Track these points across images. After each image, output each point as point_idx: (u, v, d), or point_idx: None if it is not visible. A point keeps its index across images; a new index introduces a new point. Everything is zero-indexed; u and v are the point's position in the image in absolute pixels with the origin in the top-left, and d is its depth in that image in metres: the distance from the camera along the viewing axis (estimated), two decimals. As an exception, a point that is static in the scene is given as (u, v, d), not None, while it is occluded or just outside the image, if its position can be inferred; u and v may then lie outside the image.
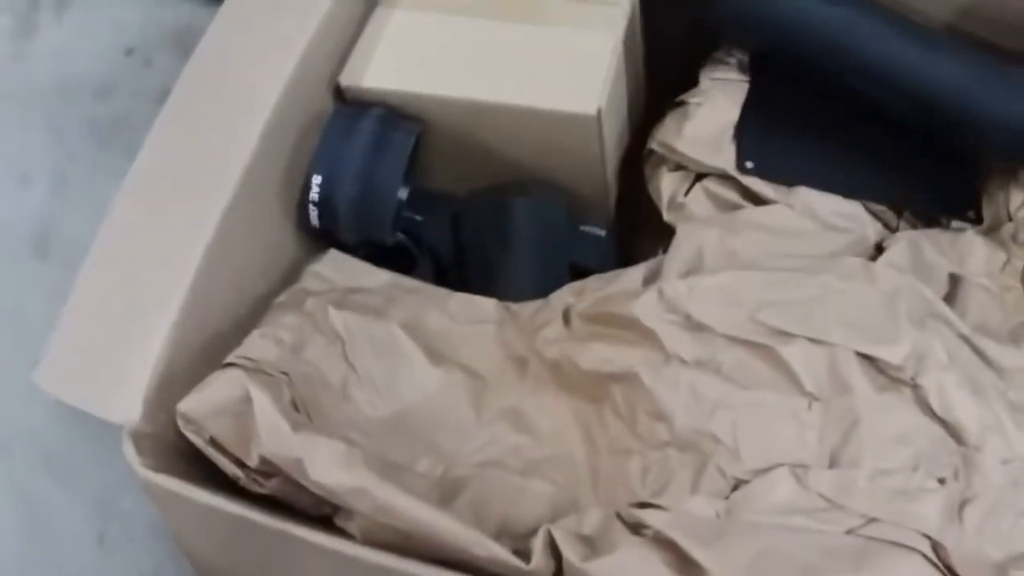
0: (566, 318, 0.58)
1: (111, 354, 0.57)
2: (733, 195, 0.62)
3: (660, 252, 0.67)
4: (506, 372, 0.58)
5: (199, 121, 0.63)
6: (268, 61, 0.63)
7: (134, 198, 0.62)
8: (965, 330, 0.53)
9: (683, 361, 0.50)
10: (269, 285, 0.63)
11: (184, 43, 1.04)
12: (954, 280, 0.58)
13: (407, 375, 0.57)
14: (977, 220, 0.63)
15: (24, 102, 1.07)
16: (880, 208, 0.62)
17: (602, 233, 0.68)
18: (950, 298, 0.57)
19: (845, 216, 0.60)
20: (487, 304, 0.61)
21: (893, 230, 0.62)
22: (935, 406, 0.49)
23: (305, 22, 0.64)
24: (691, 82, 0.68)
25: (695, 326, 0.50)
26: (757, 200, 0.61)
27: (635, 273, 0.58)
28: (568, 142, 0.63)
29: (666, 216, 0.64)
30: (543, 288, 0.63)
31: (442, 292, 0.63)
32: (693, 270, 0.56)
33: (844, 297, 0.50)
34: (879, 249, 0.60)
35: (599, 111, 0.60)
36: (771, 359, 0.49)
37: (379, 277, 0.64)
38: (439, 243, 0.68)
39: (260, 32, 0.66)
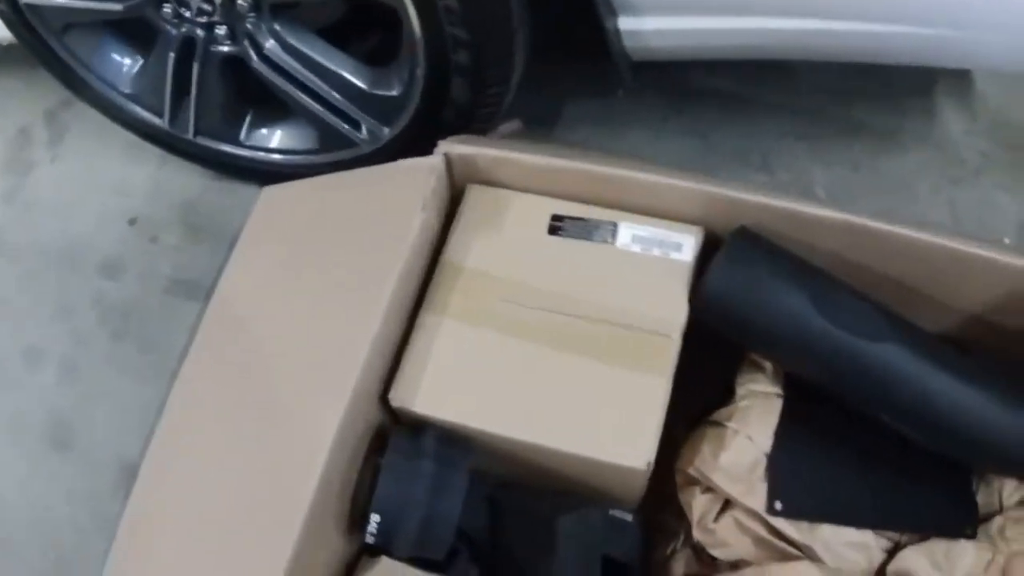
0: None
1: None
2: (760, 529, 0.68)
3: (682, 534, 0.73)
4: None
5: (254, 440, 0.65)
6: (324, 380, 0.65)
7: (197, 524, 0.63)
8: None
9: None
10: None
11: (191, 222, 1.05)
12: None
13: None
14: (972, 535, 0.69)
15: (24, 257, 1.06)
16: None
17: (629, 518, 0.72)
18: None
19: (856, 547, 0.67)
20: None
21: (896, 543, 0.69)
22: None
23: (360, 334, 0.65)
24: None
25: None
26: (781, 536, 0.67)
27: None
28: (615, 481, 0.67)
29: (696, 534, 0.70)
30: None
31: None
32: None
33: None
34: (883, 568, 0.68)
35: (648, 465, 0.64)
36: None
37: (431, 587, 0.69)
38: (473, 524, 0.71)
39: (310, 339, 0.68)
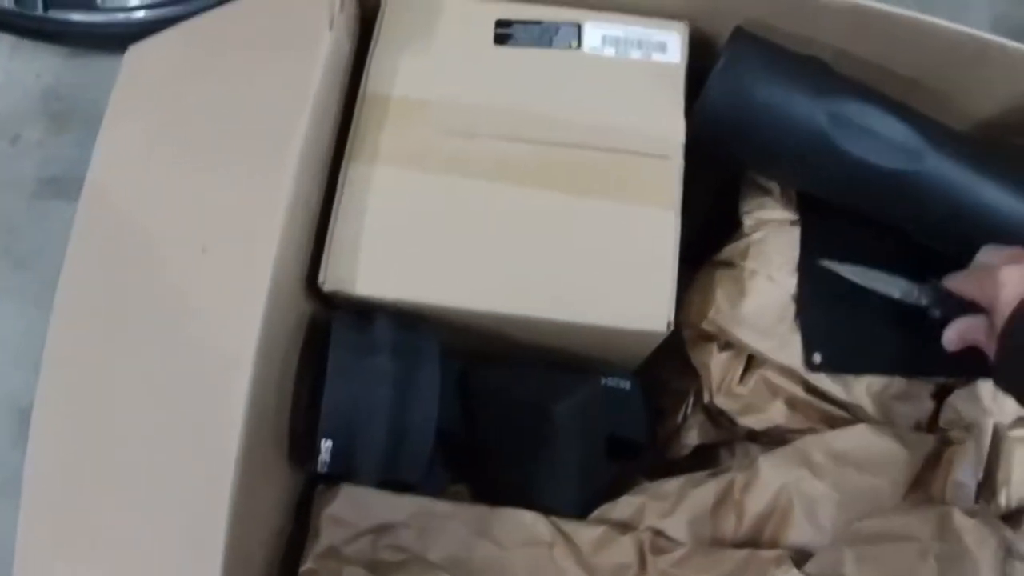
0: (642, 559, 0.51)
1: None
2: (796, 389, 0.55)
3: (691, 395, 0.61)
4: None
5: (158, 359, 0.49)
6: (233, 269, 0.49)
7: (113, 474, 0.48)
8: None
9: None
10: (283, 521, 0.55)
11: (53, 111, 0.86)
12: (996, 433, 0.55)
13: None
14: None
15: None
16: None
17: (627, 385, 0.61)
18: (995, 451, 0.55)
19: (905, 399, 0.56)
20: (532, 523, 0.54)
21: (940, 387, 0.58)
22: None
23: (270, 202, 0.49)
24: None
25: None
26: (822, 395, 0.55)
27: (706, 494, 0.53)
28: (620, 348, 0.54)
29: (718, 400, 0.57)
30: (583, 480, 0.57)
31: (479, 512, 0.55)
32: (779, 511, 0.51)
33: (940, 566, 0.48)
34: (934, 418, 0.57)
35: (669, 325, 0.51)
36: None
37: (403, 507, 0.55)
38: (447, 419, 0.56)
39: (206, 220, 0.52)
